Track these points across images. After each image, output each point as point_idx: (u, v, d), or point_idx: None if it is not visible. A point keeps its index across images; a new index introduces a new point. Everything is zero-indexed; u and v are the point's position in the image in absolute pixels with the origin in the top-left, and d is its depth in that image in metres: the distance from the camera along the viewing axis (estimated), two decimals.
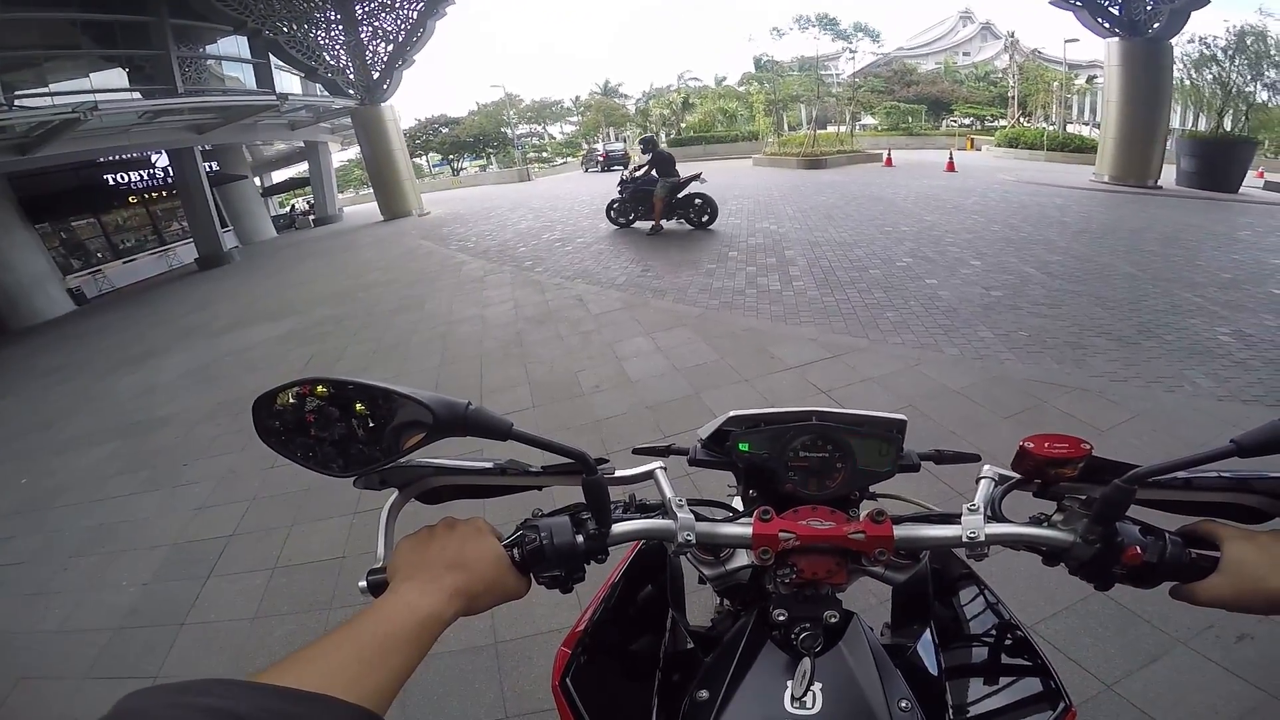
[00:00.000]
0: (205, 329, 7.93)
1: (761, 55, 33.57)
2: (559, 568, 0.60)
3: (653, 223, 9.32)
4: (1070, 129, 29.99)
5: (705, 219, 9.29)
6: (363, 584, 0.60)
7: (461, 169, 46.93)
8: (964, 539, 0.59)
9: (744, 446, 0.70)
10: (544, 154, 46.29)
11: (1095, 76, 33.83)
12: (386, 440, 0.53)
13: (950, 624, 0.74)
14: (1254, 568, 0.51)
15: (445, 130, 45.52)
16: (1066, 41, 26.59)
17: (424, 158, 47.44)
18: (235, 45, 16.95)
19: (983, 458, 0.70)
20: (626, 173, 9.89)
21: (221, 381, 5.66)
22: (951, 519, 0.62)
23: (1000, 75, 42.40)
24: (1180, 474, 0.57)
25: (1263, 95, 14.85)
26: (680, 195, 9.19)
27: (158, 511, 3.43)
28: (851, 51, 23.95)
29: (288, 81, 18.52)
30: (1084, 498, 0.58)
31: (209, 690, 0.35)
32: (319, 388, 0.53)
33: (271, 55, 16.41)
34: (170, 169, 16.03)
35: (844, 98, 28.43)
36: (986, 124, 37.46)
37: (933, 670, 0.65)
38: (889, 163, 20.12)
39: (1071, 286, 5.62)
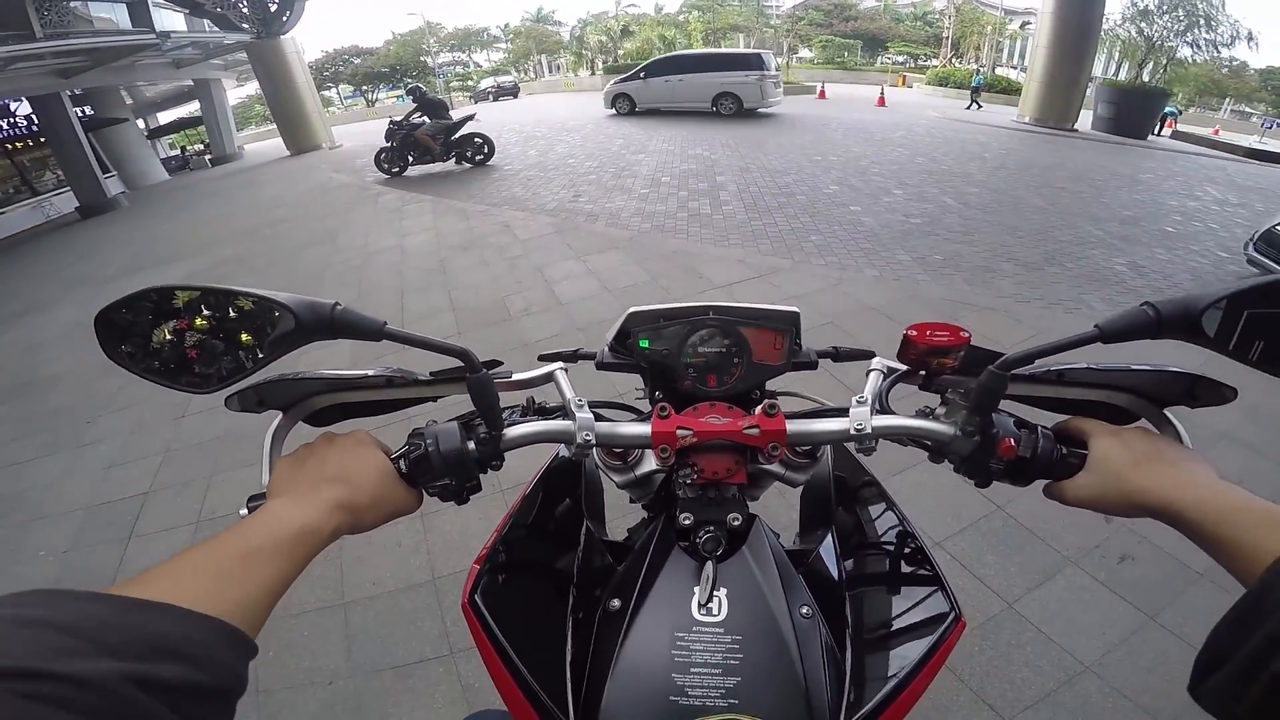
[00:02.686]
0: (92, 278, 7.16)
1: None
2: (449, 476, 0.57)
3: (431, 161, 9.82)
4: (999, 72, 30.68)
5: (482, 157, 9.88)
6: (243, 511, 0.54)
7: (377, 100, 43.74)
8: (851, 431, 0.59)
9: (644, 343, 0.69)
10: (469, 82, 43.63)
11: (1028, 23, 34.49)
12: (249, 350, 0.49)
13: (852, 531, 0.75)
14: (1116, 465, 0.51)
15: (357, 61, 42.05)
16: None
17: (334, 90, 43.84)
18: None
19: (878, 354, 0.69)
20: (395, 121, 9.85)
21: None
22: (842, 413, 0.61)
23: (937, 16, 42.61)
24: (1054, 368, 0.59)
25: (1185, 52, 15.66)
26: (456, 135, 9.66)
27: (65, 474, 3.14)
28: None
29: (170, 18, 16.40)
30: (964, 390, 0.58)
31: (19, 602, 0.31)
32: (172, 298, 0.48)
33: None
34: (35, 116, 14.25)
35: (783, 29, 27.78)
36: (920, 63, 37.79)
37: (833, 576, 0.66)
38: (822, 95, 20.19)
39: (986, 216, 5.87)
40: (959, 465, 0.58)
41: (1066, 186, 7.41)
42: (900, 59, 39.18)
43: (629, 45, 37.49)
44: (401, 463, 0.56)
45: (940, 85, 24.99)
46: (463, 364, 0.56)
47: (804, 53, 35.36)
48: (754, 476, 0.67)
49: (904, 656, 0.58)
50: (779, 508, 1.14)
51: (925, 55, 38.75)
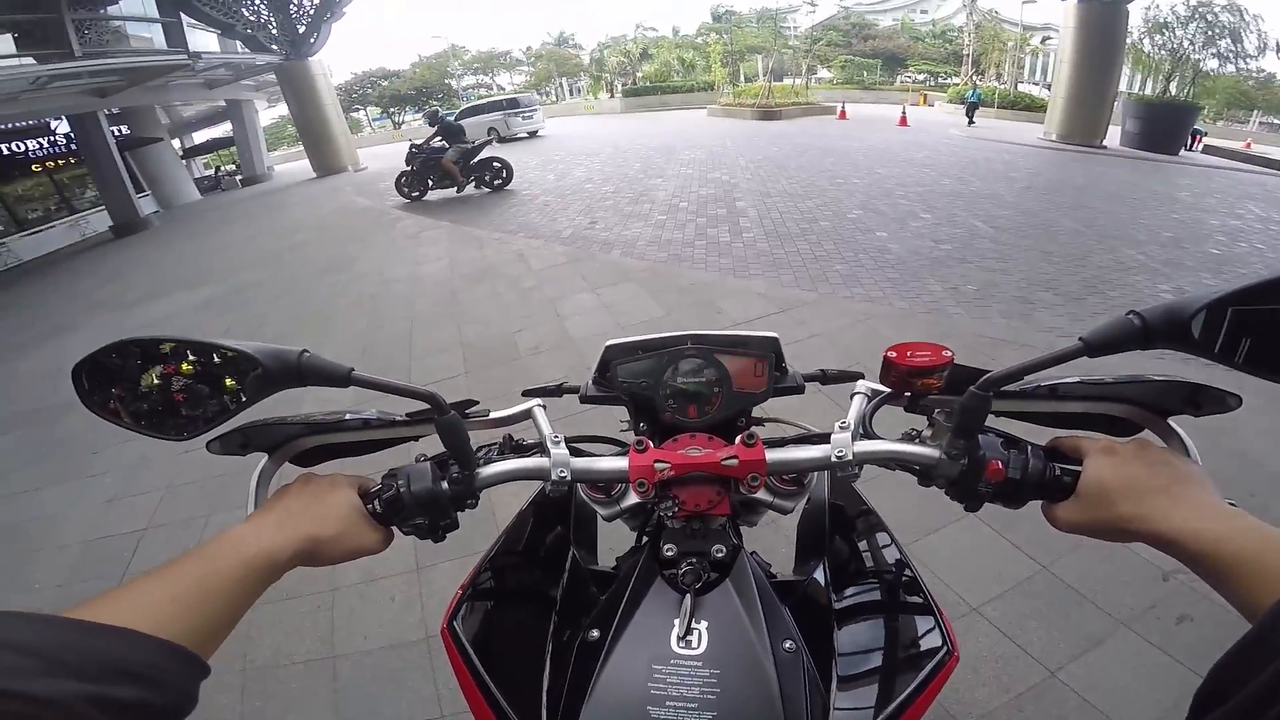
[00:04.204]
0: (117, 301, 7.24)
1: (718, 6, 32.93)
2: (421, 516, 0.58)
3: (455, 188, 9.71)
4: (1021, 88, 30.28)
5: (500, 181, 9.80)
6: None
7: (403, 122, 44.71)
8: (833, 458, 0.57)
9: (624, 376, 0.68)
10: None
11: (1049, 38, 34.00)
12: (232, 394, 0.51)
13: (847, 560, 0.74)
14: (1108, 491, 0.48)
15: (384, 84, 43.08)
16: (1024, 2, 26.59)
17: (363, 112, 44.91)
18: (140, 4, 15.36)
19: (865, 376, 0.67)
20: (415, 145, 9.75)
21: None
22: (824, 439, 0.60)
23: (956, 33, 42.38)
24: (1045, 383, 0.57)
25: (1212, 64, 15.15)
26: (476, 160, 9.62)
27: (67, 506, 3.11)
28: (813, 5, 23.05)
29: (203, 39, 16.93)
30: (949, 411, 0.56)
31: None
32: (143, 348, 0.51)
33: (183, 13, 14.94)
34: (72, 135, 14.69)
35: (801, 50, 27.74)
36: (940, 80, 37.52)
37: (823, 607, 0.65)
38: (843, 116, 19.94)
39: (1019, 241, 5.61)
40: (947, 489, 0.57)
41: (1101, 207, 7.14)
42: (920, 77, 38.95)
43: (647, 68, 37.81)
44: (375, 503, 0.57)
45: (962, 103, 24.64)
46: (428, 408, 0.56)
47: (822, 73, 35.06)
48: (745, 504, 0.67)
49: (893, 690, 0.56)
50: (775, 539, 1.04)
51: (945, 73, 38.46)
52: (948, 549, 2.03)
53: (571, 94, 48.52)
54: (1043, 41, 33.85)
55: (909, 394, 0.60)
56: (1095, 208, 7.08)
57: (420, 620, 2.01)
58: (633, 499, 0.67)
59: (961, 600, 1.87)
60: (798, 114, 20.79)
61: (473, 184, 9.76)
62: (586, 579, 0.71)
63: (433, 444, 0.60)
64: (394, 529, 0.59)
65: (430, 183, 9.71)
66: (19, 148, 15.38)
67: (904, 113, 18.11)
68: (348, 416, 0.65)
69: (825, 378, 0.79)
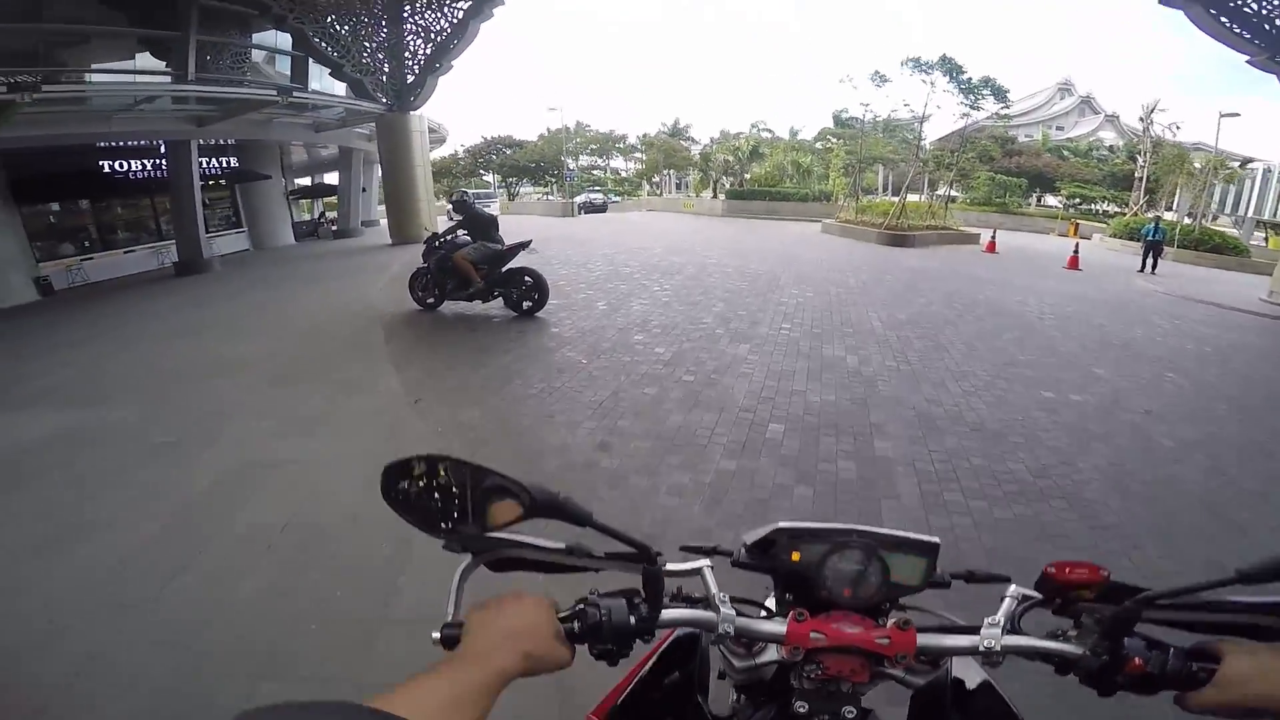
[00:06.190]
0: (53, 396, 5.46)
1: (841, 111, 31.20)
2: (611, 642, 0.66)
3: (473, 297, 7.48)
4: (1215, 224, 24.79)
5: (530, 304, 7.40)
6: (436, 635, 0.63)
7: (517, 195, 45.63)
8: (981, 647, 0.64)
9: (796, 556, 0.73)
10: (596, 187, 44.58)
11: (1250, 161, 28.04)
12: (490, 515, 0.60)
13: None
14: (1245, 680, 0.54)
15: (508, 152, 44.38)
16: (1223, 116, 21.02)
17: (490, 176, 46.41)
18: (274, 36, 15.80)
19: (1013, 581, 0.70)
20: (435, 235, 7.77)
21: None
22: (973, 630, 0.66)
23: (1108, 152, 37.64)
24: (1202, 598, 0.60)
25: None
26: (505, 268, 7.36)
27: None
28: (973, 109, 19.20)
29: (329, 82, 16.92)
30: (1098, 616, 0.61)
31: (334, 712, 0.37)
32: (439, 464, 0.61)
33: (304, 50, 15.03)
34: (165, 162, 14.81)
35: (942, 162, 23.95)
36: (1091, 206, 32.76)
37: None
38: (991, 248, 16.48)
39: None
40: (1084, 678, 0.62)
41: None
42: (1066, 201, 34.02)
43: (757, 169, 35.15)
44: (575, 624, 0.65)
45: (1131, 239, 20.14)
46: (639, 554, 0.67)
47: (941, 189, 29.94)
48: (873, 676, 0.70)
49: None
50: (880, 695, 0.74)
51: (1101, 198, 33.49)
52: None
53: (678, 188, 48.13)
54: (1242, 166, 27.64)
55: (1059, 601, 0.66)
56: None
57: None
58: (768, 657, 0.77)
59: None
60: (933, 240, 17.61)
61: (498, 298, 7.50)
62: None
63: (607, 577, 0.73)
64: (577, 647, 0.65)
65: (450, 286, 7.51)
66: (120, 167, 15.56)
67: (1076, 251, 14.45)
68: (560, 546, 0.72)
69: (972, 577, 0.80)
